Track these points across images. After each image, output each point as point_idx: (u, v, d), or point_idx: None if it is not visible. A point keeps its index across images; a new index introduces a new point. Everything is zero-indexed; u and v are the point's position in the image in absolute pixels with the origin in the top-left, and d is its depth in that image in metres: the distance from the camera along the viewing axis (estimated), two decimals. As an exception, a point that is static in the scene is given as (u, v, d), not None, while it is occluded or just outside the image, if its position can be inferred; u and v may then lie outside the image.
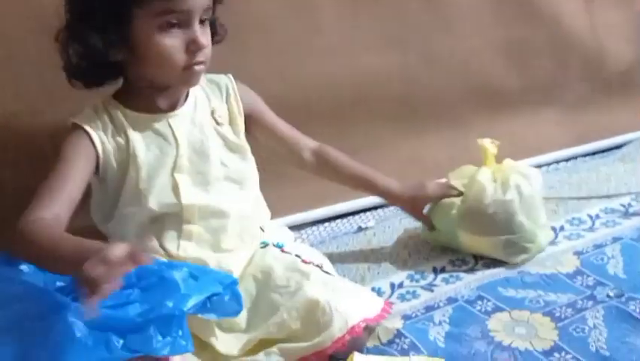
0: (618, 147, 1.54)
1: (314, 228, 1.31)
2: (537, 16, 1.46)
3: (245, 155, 0.97)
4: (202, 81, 0.95)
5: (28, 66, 0.99)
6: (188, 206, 0.89)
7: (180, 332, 0.67)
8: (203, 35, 0.85)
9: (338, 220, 1.32)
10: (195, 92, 0.95)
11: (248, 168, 0.98)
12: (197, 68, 0.86)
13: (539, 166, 1.47)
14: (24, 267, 0.79)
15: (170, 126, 0.90)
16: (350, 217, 1.32)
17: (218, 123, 0.95)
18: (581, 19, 1.50)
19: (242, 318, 0.88)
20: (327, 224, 1.31)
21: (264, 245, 0.98)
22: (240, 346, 0.86)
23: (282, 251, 0.96)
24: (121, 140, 0.87)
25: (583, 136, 1.54)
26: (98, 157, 0.86)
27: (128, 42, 0.82)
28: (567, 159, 1.51)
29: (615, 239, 1.11)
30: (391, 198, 1.13)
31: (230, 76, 1.00)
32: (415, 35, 1.35)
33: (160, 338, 0.65)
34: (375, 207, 1.33)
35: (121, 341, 0.65)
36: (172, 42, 0.82)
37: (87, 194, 0.90)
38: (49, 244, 0.72)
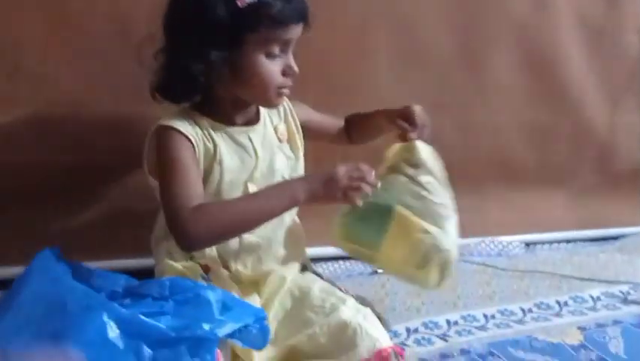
0: (614, 237, 1.65)
1: (329, 263, 1.36)
2: (563, 103, 1.57)
3: (299, 172, 1.02)
4: None
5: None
6: None
7: (209, 357, 0.68)
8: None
9: (354, 260, 1.37)
10: (262, 112, 1.01)
11: None
12: (285, 91, 0.93)
13: (543, 242, 1.58)
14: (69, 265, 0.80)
15: (250, 140, 0.96)
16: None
17: (280, 141, 1.01)
18: (602, 114, 1.62)
19: (272, 331, 0.89)
20: (341, 262, 1.37)
21: (304, 269, 1.03)
22: (265, 358, 0.88)
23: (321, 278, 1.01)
24: (209, 145, 0.92)
25: (585, 222, 1.64)
26: (196, 158, 0.91)
27: (234, 65, 0.87)
28: (568, 241, 1.62)
29: (616, 322, 1.18)
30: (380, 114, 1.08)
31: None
32: (455, 102, 1.44)
33: (189, 358, 0.67)
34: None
35: (150, 352, 0.66)
36: (274, 67, 0.89)
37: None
38: (229, 208, 0.88)
